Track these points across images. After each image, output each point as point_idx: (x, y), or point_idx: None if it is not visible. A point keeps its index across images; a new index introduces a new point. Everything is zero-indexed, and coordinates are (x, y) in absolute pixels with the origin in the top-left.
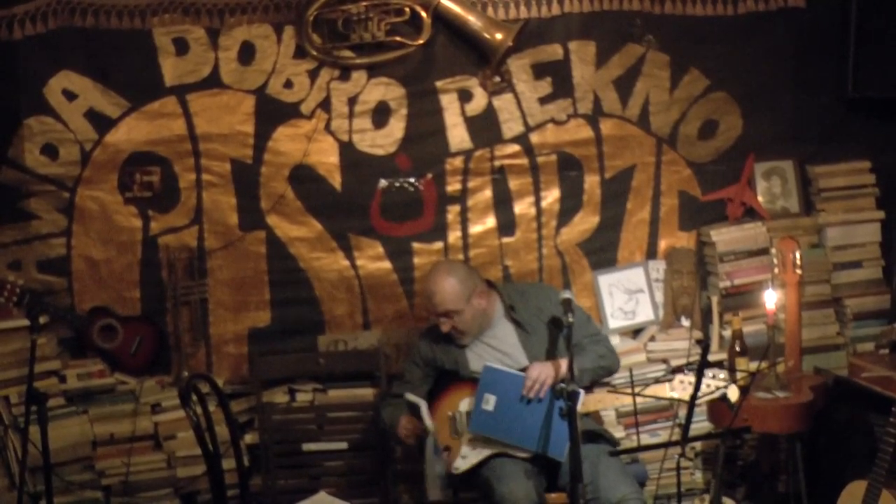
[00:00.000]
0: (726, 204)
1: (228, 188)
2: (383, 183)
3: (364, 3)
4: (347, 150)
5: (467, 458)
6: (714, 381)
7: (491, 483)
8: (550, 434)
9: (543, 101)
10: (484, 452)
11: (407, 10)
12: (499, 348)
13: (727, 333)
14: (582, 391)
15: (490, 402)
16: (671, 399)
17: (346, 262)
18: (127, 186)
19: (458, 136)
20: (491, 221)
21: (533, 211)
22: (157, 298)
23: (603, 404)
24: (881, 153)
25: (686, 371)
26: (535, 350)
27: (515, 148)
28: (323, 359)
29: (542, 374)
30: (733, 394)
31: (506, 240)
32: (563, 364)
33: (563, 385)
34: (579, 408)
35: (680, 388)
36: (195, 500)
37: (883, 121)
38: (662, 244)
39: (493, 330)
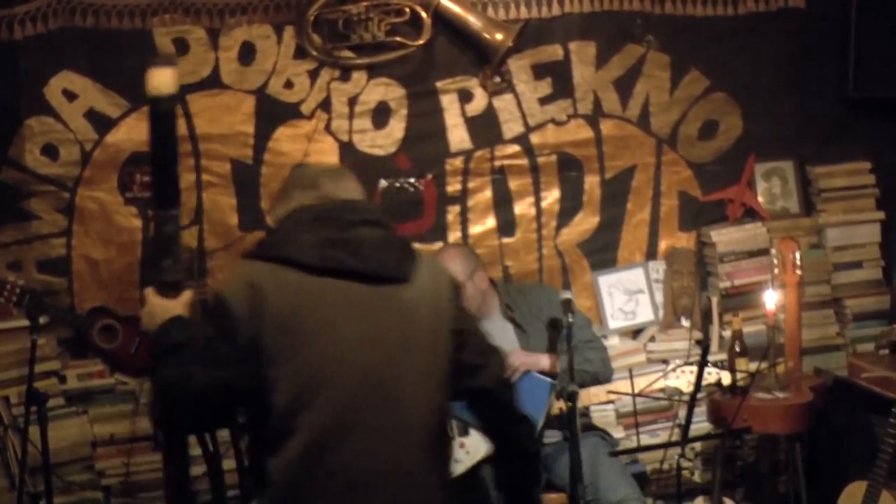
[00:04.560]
0: (726, 204)
1: (229, 188)
2: (383, 183)
3: (364, 4)
4: (347, 151)
5: (461, 462)
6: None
7: (487, 484)
8: None
9: (543, 101)
10: (478, 455)
11: (407, 10)
12: None
13: (727, 334)
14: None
15: None
16: (669, 397)
17: None
18: (127, 186)
19: (458, 136)
20: (491, 222)
21: (533, 211)
22: None
23: (598, 398)
24: (881, 153)
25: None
26: (532, 350)
27: (515, 148)
28: None
29: (518, 360)
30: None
31: (506, 240)
32: (544, 358)
33: (563, 385)
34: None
35: (673, 376)
36: (195, 500)
37: (883, 121)
38: (662, 245)
39: (491, 326)
